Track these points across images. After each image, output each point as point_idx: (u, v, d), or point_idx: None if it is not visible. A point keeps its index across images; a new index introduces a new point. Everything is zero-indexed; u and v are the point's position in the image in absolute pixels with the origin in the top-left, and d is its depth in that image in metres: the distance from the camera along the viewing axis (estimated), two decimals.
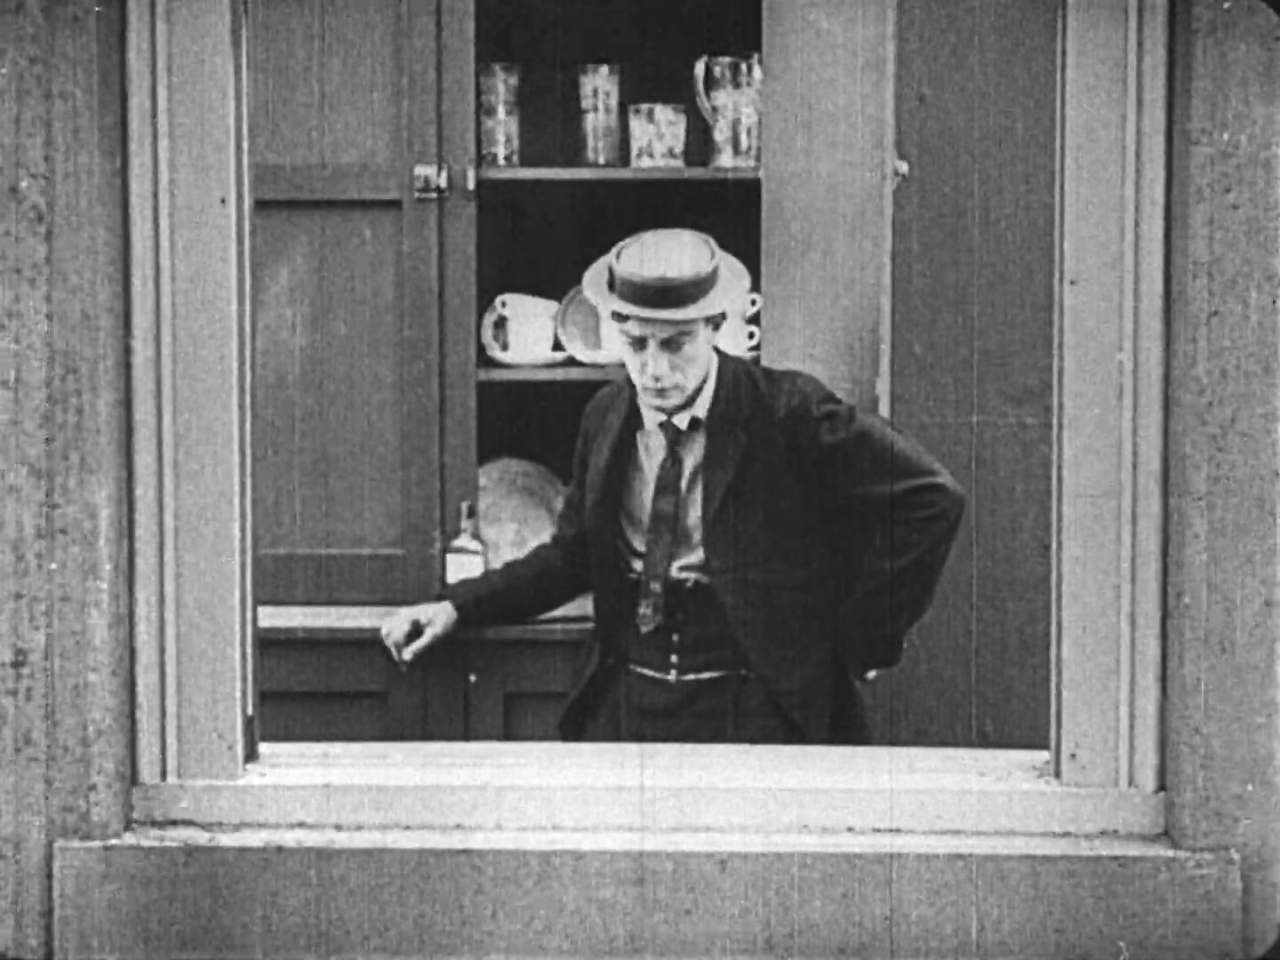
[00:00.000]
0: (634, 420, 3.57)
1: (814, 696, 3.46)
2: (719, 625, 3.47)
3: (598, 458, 3.60)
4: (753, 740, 3.25)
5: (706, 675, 3.47)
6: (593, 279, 3.49)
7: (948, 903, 2.35)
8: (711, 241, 3.49)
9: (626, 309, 3.44)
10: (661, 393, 3.47)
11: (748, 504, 3.50)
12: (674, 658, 3.49)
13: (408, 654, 3.67)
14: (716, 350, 3.55)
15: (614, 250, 3.48)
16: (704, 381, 3.51)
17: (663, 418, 3.54)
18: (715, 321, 3.48)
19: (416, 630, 3.68)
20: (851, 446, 3.46)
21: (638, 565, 3.54)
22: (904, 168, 3.78)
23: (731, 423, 3.50)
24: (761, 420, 3.49)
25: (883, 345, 3.69)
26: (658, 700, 3.48)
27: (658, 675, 3.49)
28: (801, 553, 3.54)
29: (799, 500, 3.52)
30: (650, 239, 3.49)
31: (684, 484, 3.54)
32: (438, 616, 3.71)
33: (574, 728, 3.57)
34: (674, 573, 3.52)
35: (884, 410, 3.72)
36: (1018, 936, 2.35)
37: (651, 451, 3.57)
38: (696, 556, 3.52)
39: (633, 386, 3.56)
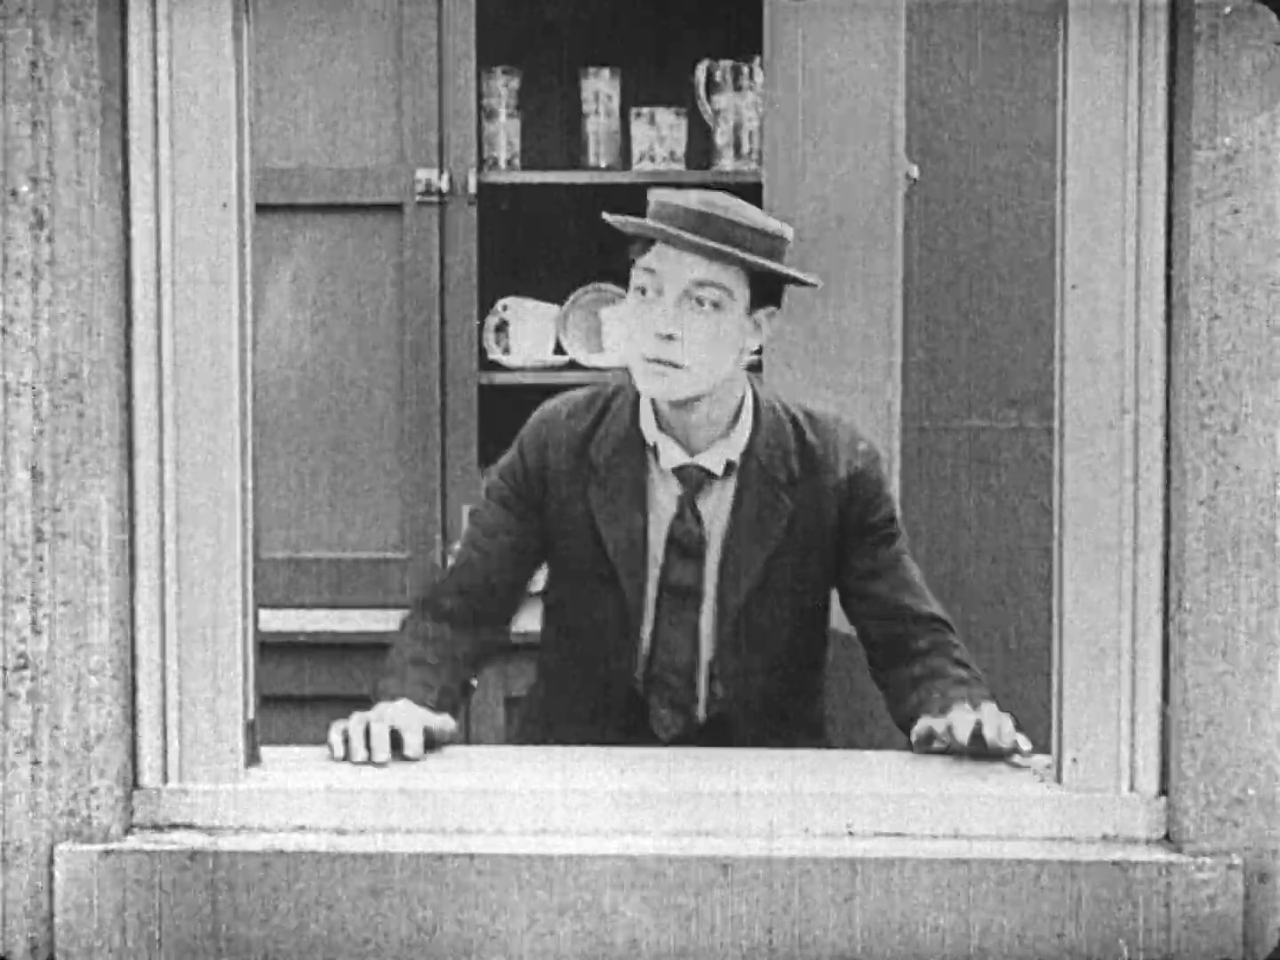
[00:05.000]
0: (637, 456, 2.78)
1: None
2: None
3: (603, 507, 2.76)
4: None
5: None
6: (614, 223, 2.75)
7: (949, 907, 2.35)
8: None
9: (654, 228, 2.66)
10: (662, 366, 2.64)
11: (778, 590, 2.79)
12: None
13: (415, 752, 2.54)
14: (750, 380, 2.81)
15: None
16: (737, 415, 2.76)
17: (684, 459, 2.75)
18: (761, 305, 2.71)
19: (398, 738, 2.56)
20: (880, 537, 2.80)
21: (638, 656, 2.79)
22: (915, 171, 3.77)
23: (773, 481, 2.76)
24: (814, 482, 2.77)
25: (895, 351, 3.64)
26: None
27: None
28: (816, 655, 2.89)
29: (824, 587, 2.83)
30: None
31: (710, 551, 2.77)
32: (415, 716, 2.60)
33: None
34: (704, 663, 2.81)
35: (897, 414, 3.65)
36: (1019, 941, 2.35)
37: (657, 502, 2.78)
38: (710, 648, 2.81)
39: (634, 409, 2.77)
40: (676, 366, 2.65)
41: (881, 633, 2.81)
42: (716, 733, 2.80)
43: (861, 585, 2.80)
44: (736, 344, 2.69)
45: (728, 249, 2.64)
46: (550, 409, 2.85)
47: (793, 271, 2.75)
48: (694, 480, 2.75)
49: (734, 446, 2.76)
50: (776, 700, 2.83)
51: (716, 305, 2.65)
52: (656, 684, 2.80)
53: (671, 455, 2.76)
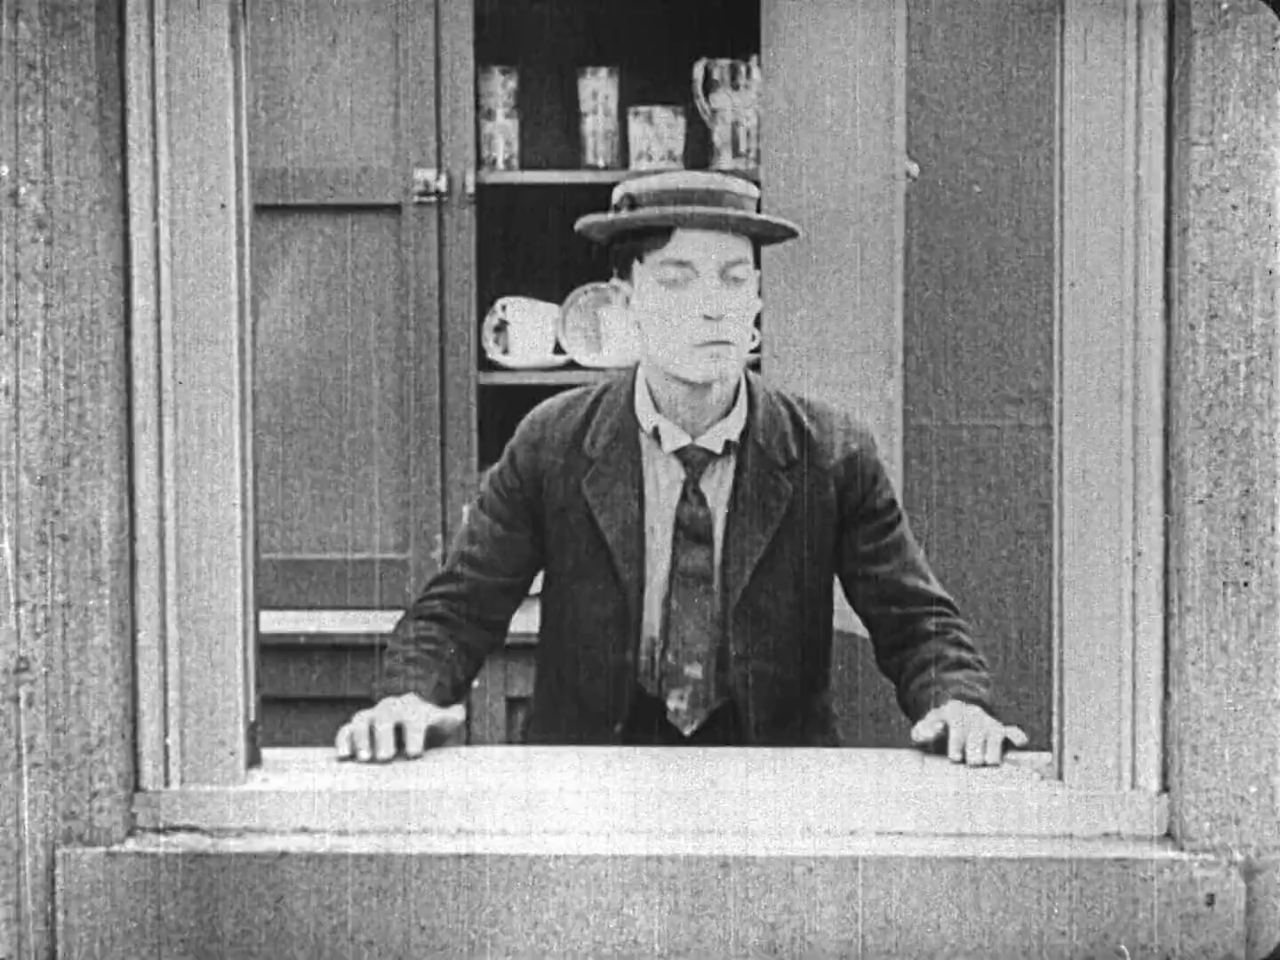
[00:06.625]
0: (633, 445, 2.78)
1: None
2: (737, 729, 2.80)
3: (599, 499, 2.75)
4: None
5: None
6: (601, 225, 2.69)
7: (951, 905, 2.35)
8: None
9: (677, 212, 2.64)
10: (716, 347, 2.66)
11: (780, 573, 2.79)
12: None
13: (416, 749, 2.56)
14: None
15: (617, 194, 2.73)
16: (735, 396, 2.77)
17: (686, 441, 2.76)
18: (757, 268, 2.73)
19: (400, 732, 2.57)
20: (883, 523, 2.81)
21: (645, 646, 2.79)
22: (915, 169, 3.77)
23: (772, 464, 2.76)
24: (812, 465, 2.76)
25: (895, 348, 3.61)
26: None
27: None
28: (820, 644, 2.88)
29: (826, 574, 2.83)
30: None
31: (719, 534, 2.77)
32: (420, 712, 2.62)
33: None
34: (716, 650, 2.79)
35: (898, 412, 3.64)
36: (1021, 939, 2.35)
37: (659, 488, 2.79)
38: (720, 634, 2.81)
39: (629, 398, 2.78)
40: (728, 344, 2.67)
41: (886, 615, 2.82)
42: (727, 724, 2.81)
43: (865, 568, 2.81)
44: (754, 312, 2.72)
45: (776, 219, 2.69)
46: (541, 410, 2.86)
47: (795, 225, 2.75)
48: (696, 461, 2.76)
49: (732, 427, 2.76)
50: (783, 689, 2.82)
51: (741, 279, 2.68)
52: (672, 677, 2.79)
53: (674, 438, 2.76)
